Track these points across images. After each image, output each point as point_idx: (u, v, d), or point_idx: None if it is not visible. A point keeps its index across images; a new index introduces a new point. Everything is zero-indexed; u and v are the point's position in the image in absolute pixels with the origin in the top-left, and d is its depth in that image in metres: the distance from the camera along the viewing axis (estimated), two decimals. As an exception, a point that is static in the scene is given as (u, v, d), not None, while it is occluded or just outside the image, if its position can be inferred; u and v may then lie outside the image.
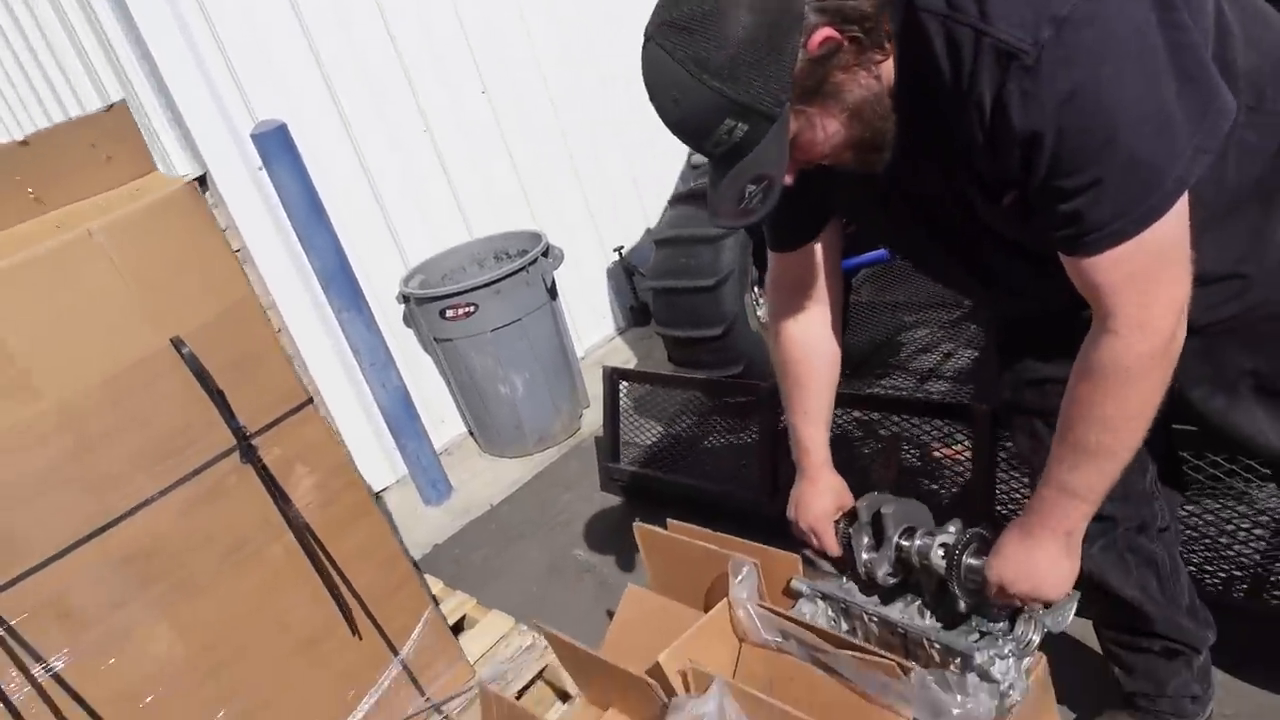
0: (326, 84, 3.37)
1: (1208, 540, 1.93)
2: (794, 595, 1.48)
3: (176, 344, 1.67)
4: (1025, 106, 0.96)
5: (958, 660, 1.24)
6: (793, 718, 1.17)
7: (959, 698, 1.14)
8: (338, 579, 1.96)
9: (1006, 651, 1.24)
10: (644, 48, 1.05)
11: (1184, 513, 1.87)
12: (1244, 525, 1.91)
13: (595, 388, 3.82)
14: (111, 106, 1.72)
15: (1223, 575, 1.89)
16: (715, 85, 0.98)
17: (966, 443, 2.37)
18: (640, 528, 1.70)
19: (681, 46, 0.99)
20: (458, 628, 2.42)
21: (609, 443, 3.03)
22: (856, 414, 2.70)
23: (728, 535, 1.58)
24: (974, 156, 1.06)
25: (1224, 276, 1.19)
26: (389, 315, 3.53)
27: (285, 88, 3.24)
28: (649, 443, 3.17)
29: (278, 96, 3.20)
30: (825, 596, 1.44)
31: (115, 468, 1.65)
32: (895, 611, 1.38)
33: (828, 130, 1.08)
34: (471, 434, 3.83)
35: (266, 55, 3.20)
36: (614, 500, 3.08)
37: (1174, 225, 1.02)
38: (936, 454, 2.55)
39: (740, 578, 1.41)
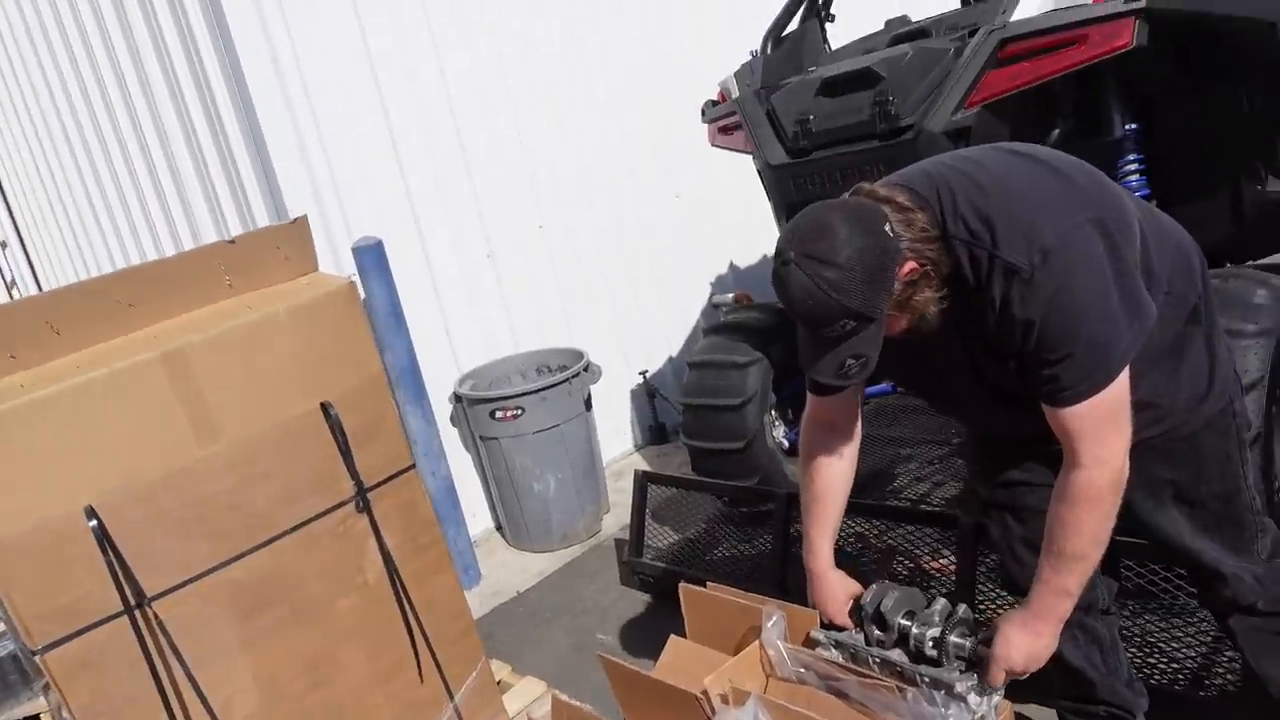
0: (412, 209, 3.91)
1: (1153, 640, 2.30)
2: (813, 644, 1.84)
3: (325, 407, 2.08)
4: (1023, 304, 1.44)
5: (943, 691, 1.60)
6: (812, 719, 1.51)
7: (944, 710, 1.49)
8: (414, 622, 2.29)
9: (980, 686, 1.61)
10: (786, 267, 1.45)
11: (1137, 622, 2.24)
12: (1185, 630, 2.28)
13: (616, 495, 4.21)
14: (295, 220, 2.20)
15: (1165, 668, 2.25)
16: (837, 298, 1.41)
17: (952, 557, 2.74)
18: (684, 586, 2.06)
19: (817, 272, 1.42)
20: (495, 690, 2.70)
21: (634, 539, 3.38)
22: (857, 528, 3.08)
23: (758, 594, 1.95)
24: (987, 334, 1.53)
25: (1150, 404, 1.63)
26: (440, 413, 3.94)
27: (378, 210, 3.77)
28: (666, 544, 3.52)
29: (371, 216, 3.72)
30: (839, 644, 1.81)
31: (262, 504, 2.03)
32: (895, 655, 1.74)
33: (902, 323, 1.55)
34: (499, 529, 4.18)
35: (365, 179, 3.74)
36: (634, 594, 3.40)
37: (1120, 388, 1.48)
38: (926, 566, 2.92)
39: (771, 623, 1.78)
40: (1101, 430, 1.48)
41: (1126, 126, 2.84)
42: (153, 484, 1.85)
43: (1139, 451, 1.62)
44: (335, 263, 3.61)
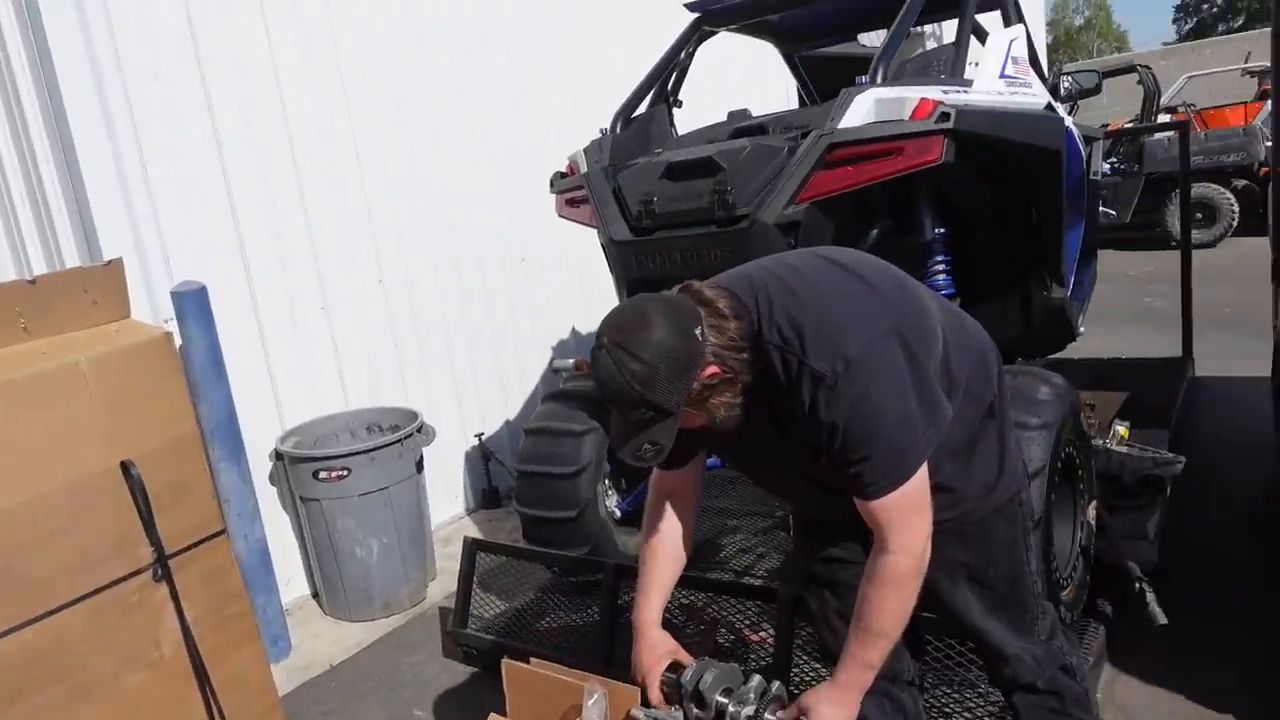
0: (242, 254, 3.73)
1: (948, 710, 2.45)
2: (633, 721, 1.85)
3: (126, 466, 1.93)
4: (828, 409, 1.55)
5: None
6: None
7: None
8: (213, 702, 2.12)
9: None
10: (599, 351, 1.53)
11: (933, 694, 2.39)
12: (975, 702, 2.44)
13: (444, 561, 4.09)
14: (110, 263, 2.05)
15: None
16: (639, 389, 1.49)
17: (771, 630, 2.83)
18: (506, 662, 2.02)
19: (622, 361, 1.49)
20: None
21: (459, 609, 3.27)
22: (683, 599, 3.12)
23: (581, 670, 1.94)
24: (799, 431, 1.63)
25: (946, 489, 1.77)
26: (259, 471, 3.71)
27: (204, 253, 3.57)
28: (493, 614, 3.43)
29: (195, 260, 3.52)
30: None
31: (44, 571, 1.84)
32: (712, 731, 1.78)
33: (699, 420, 1.63)
34: (315, 596, 3.95)
35: (191, 220, 3.55)
36: (456, 666, 3.28)
37: (918, 484, 1.61)
38: (748, 639, 3.00)
39: (592, 701, 1.77)
40: (905, 519, 1.61)
41: (936, 231, 3.12)
42: (-89, 548, 1.65)
43: (937, 533, 1.74)
44: (151, 306, 3.38)
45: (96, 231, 3.30)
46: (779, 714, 1.76)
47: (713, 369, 1.55)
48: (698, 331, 1.53)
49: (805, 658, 2.68)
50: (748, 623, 2.98)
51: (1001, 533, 1.87)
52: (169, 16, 3.49)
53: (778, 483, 1.95)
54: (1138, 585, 2.78)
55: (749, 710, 1.75)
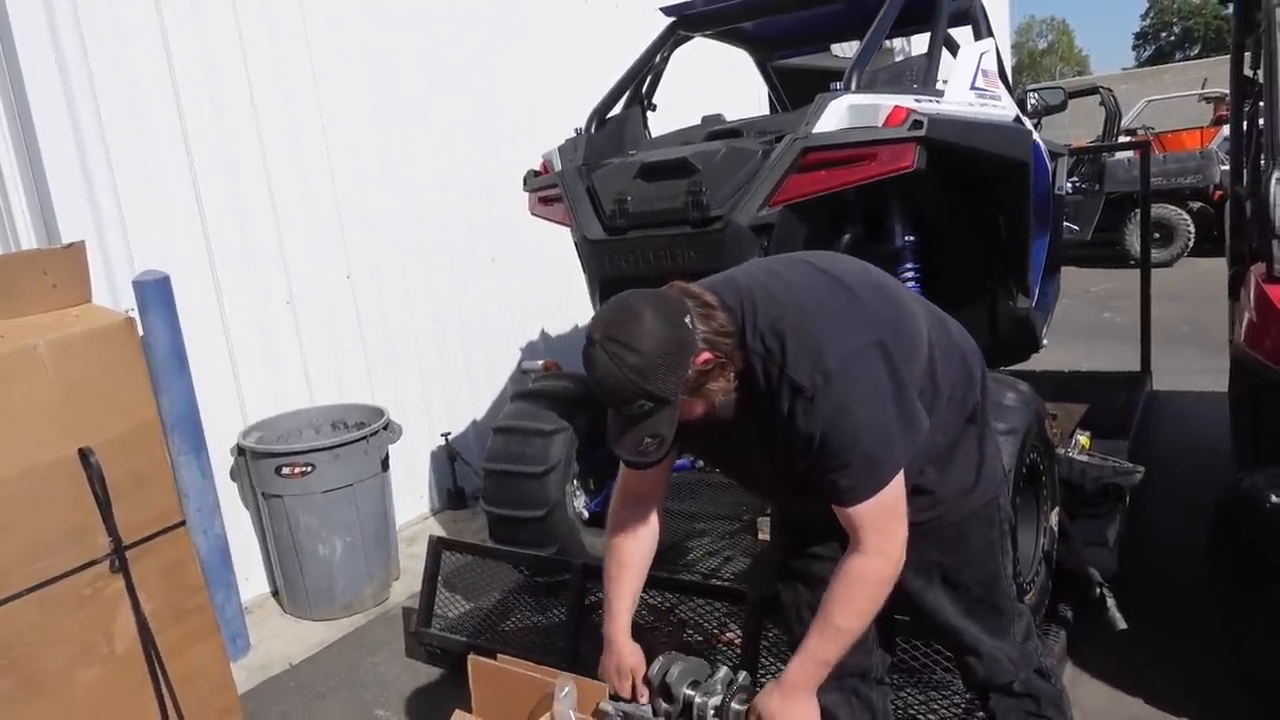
0: (207, 243, 3.66)
1: (912, 713, 2.47)
2: (602, 715, 1.83)
3: (85, 453, 1.88)
4: (806, 418, 1.57)
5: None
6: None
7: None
8: (169, 698, 2.07)
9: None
10: (593, 348, 1.53)
11: (900, 694, 2.40)
12: (941, 704, 2.46)
13: (408, 561, 4.04)
14: (71, 245, 2.00)
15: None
16: (637, 381, 1.50)
17: (739, 631, 2.83)
18: (472, 658, 2.00)
19: (617, 355, 1.50)
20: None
21: (423, 609, 3.24)
22: (651, 600, 3.11)
23: (549, 666, 1.92)
24: (778, 436, 1.64)
25: (923, 491, 1.78)
26: (220, 466, 3.64)
27: (168, 242, 3.50)
28: (458, 614, 3.40)
29: (159, 249, 3.45)
30: (627, 715, 1.81)
31: (-4, 559, 1.78)
32: (679, 724, 1.78)
33: (697, 409, 1.63)
34: (276, 594, 3.88)
35: (156, 208, 3.48)
36: (419, 666, 3.24)
37: (895, 491, 1.61)
38: (715, 641, 3.00)
39: (564, 694, 1.76)
40: (881, 525, 1.62)
41: (906, 238, 3.16)
42: None
43: (914, 534, 1.74)
44: (112, 296, 3.30)
45: (57, 219, 3.22)
46: (746, 705, 1.75)
47: (706, 355, 1.56)
48: (687, 320, 1.54)
49: (772, 659, 2.68)
50: (715, 624, 2.98)
51: (978, 535, 1.88)
52: (137, 7, 3.42)
53: (757, 483, 1.96)
54: (1098, 591, 2.82)
55: (715, 700, 1.75)
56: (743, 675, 1.83)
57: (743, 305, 1.63)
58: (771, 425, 1.64)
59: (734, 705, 1.77)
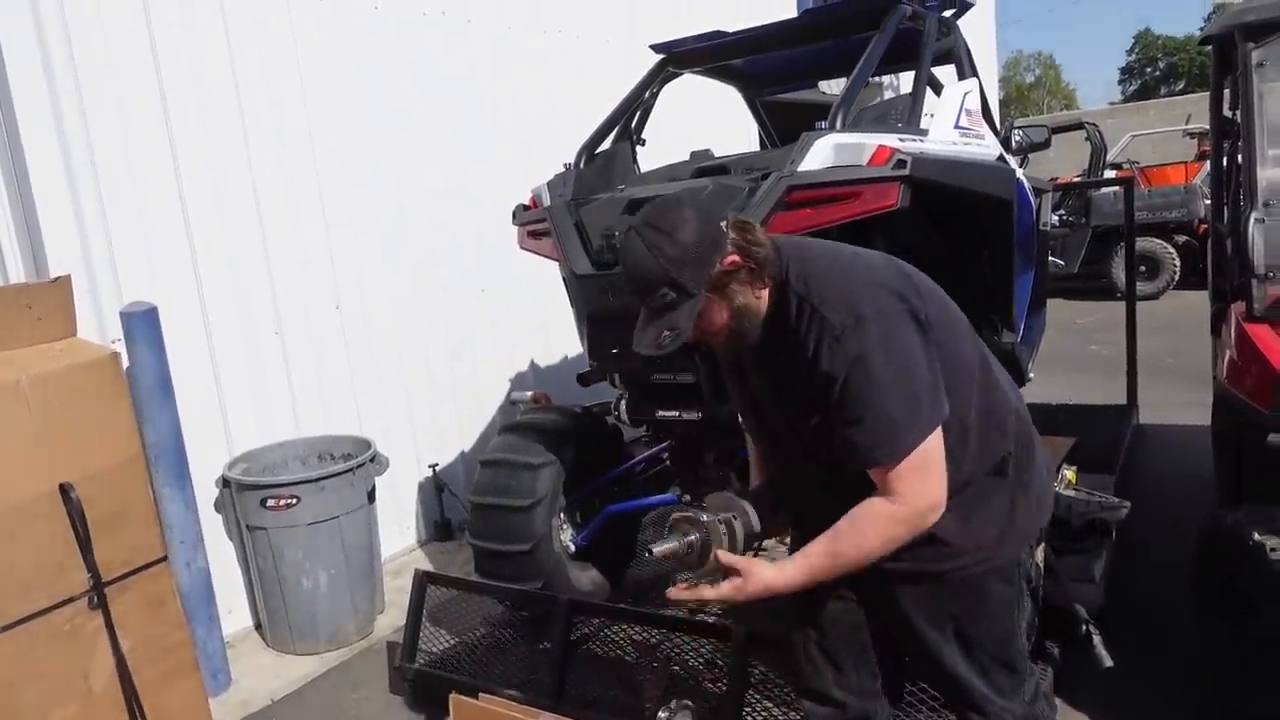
0: (195, 274, 3.67)
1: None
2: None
3: (65, 489, 1.87)
4: (831, 357, 1.58)
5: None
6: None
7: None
8: (145, 737, 2.04)
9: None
10: (629, 234, 1.64)
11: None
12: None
13: (393, 594, 4.00)
14: (57, 280, 2.00)
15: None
16: (664, 265, 1.59)
17: (725, 667, 2.82)
18: (455, 696, 1.98)
19: (653, 239, 1.60)
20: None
21: (408, 643, 3.20)
22: (636, 637, 3.09)
23: (532, 704, 1.91)
24: (801, 378, 1.64)
25: (941, 541, 1.72)
26: (205, 497, 3.62)
27: (156, 273, 3.50)
28: (443, 649, 3.36)
29: (147, 279, 3.45)
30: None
31: (-29, 597, 1.76)
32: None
33: (721, 316, 1.68)
34: (259, 627, 3.84)
35: (144, 238, 3.48)
36: (401, 702, 3.20)
37: (923, 455, 1.56)
38: (701, 679, 2.97)
39: (544, 736, 1.74)
40: (912, 479, 1.58)
41: (891, 274, 3.18)
42: None
43: (931, 582, 1.74)
44: (99, 326, 3.30)
45: (45, 248, 3.22)
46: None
47: (734, 257, 1.62)
48: (723, 224, 1.64)
49: (758, 695, 2.66)
50: (702, 660, 2.96)
51: (998, 593, 1.82)
52: (129, 37, 3.45)
53: (775, 442, 1.90)
54: (1084, 627, 2.81)
55: None
56: None
57: (789, 250, 1.70)
58: (796, 367, 1.64)
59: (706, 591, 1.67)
